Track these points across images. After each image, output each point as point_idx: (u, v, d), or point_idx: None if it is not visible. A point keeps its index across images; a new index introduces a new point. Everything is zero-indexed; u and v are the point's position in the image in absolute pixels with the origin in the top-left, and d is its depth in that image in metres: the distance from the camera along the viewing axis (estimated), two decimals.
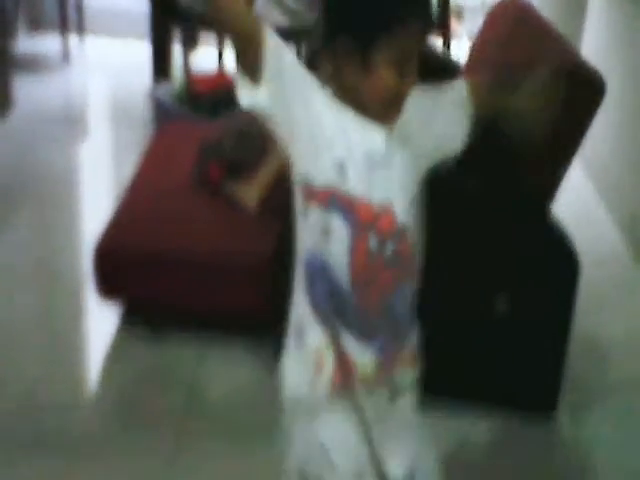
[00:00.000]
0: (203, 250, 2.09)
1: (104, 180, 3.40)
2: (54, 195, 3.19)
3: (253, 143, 2.41)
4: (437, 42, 3.84)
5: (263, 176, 2.26)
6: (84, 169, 3.51)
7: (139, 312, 2.22)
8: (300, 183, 1.27)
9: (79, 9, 4.58)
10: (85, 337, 2.41)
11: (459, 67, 2.43)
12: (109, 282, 2.09)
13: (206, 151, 2.45)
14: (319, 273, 1.27)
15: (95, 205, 3.13)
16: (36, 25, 4.68)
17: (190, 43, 4.28)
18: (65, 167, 3.40)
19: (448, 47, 3.95)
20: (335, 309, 1.27)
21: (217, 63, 3.93)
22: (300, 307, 1.31)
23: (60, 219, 3.06)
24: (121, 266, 2.09)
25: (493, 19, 2.40)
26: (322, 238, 1.25)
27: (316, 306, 1.28)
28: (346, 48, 1.22)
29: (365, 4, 1.22)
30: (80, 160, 3.58)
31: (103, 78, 4.37)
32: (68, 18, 4.48)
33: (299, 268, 1.31)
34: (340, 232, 1.24)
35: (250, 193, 2.25)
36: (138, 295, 2.12)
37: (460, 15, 4.81)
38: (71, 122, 3.84)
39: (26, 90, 3.93)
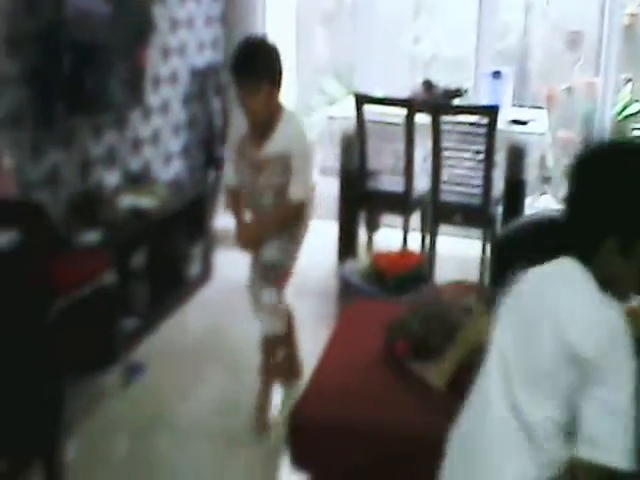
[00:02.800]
0: (397, 423, 2.10)
1: None
2: (241, 362, 3.35)
3: (439, 324, 2.46)
4: None
5: (450, 358, 2.28)
6: None
7: None
8: None
9: None
10: None
11: None
12: (302, 453, 2.14)
13: (393, 330, 2.52)
14: None
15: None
16: None
17: (374, 224, 4.52)
18: (247, 336, 3.59)
19: None
20: None
21: (401, 243, 4.09)
22: None
23: (246, 384, 3.20)
24: (314, 438, 2.14)
25: None
26: None
27: None
28: (615, 245, 1.38)
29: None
30: None
31: None
32: None
33: None
34: None
35: (437, 374, 2.27)
36: (330, 466, 2.15)
37: None
38: None
39: (222, 262, 4.26)
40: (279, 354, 3.07)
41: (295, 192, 2.83)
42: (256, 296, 2.98)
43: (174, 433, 2.87)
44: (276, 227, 2.88)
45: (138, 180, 3.94)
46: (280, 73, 2.79)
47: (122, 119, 3.85)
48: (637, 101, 5.79)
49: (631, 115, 5.81)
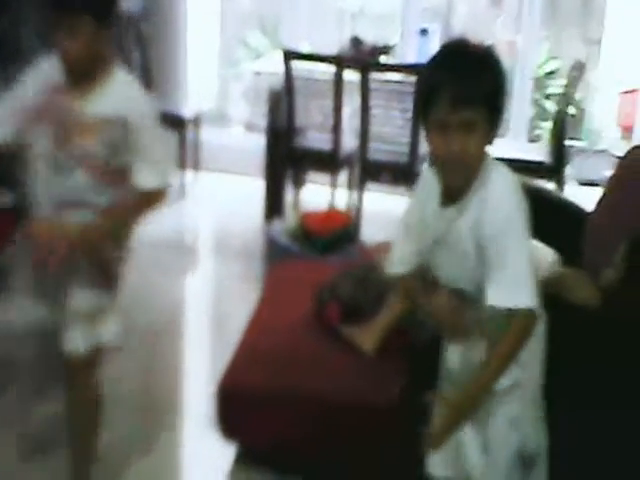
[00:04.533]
0: (327, 390, 2.09)
1: (215, 312, 3.49)
2: (165, 325, 3.28)
3: (369, 287, 2.44)
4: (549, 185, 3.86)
5: (380, 323, 2.27)
6: (194, 300, 3.61)
7: (259, 453, 2.21)
8: None
9: (196, 146, 4.84)
10: (199, 477, 2.41)
11: (584, 213, 2.44)
12: (230, 422, 2.10)
13: (323, 292, 2.48)
14: None
15: (204, 335, 3.19)
16: None
17: (301, 182, 4.46)
18: (176, 298, 3.52)
19: (561, 191, 3.97)
20: None
21: (328, 202, 4.06)
22: None
23: (168, 349, 3.13)
24: (244, 407, 2.10)
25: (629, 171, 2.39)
26: None
27: None
28: None
29: None
30: (190, 291, 3.70)
31: (216, 213, 4.56)
32: (185, 155, 4.74)
33: None
34: None
35: (367, 338, 2.25)
36: (260, 436, 2.12)
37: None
38: (183, 253, 4.00)
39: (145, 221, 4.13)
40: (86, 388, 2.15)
41: (147, 177, 2.02)
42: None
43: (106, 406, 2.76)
44: (125, 224, 2.13)
45: None
46: (109, 10, 2.03)
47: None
48: (554, 58, 5.90)
49: (551, 73, 5.92)
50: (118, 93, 2.02)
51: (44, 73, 2.08)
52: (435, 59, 1.62)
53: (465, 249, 1.63)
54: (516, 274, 1.57)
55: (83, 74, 2.03)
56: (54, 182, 1.98)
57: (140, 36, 4.56)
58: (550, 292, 1.68)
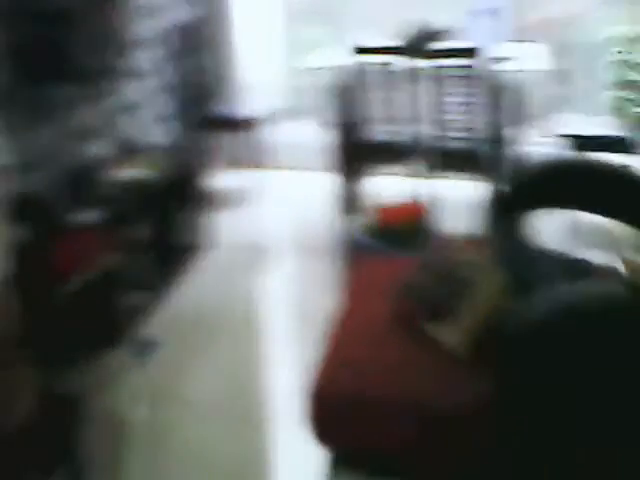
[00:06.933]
0: (420, 392, 2.08)
1: (296, 310, 3.53)
2: (247, 325, 3.34)
3: (451, 282, 2.42)
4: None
5: (468, 319, 2.24)
6: (274, 299, 3.66)
7: (355, 457, 2.23)
8: None
9: (266, 145, 4.89)
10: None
11: None
12: (325, 426, 2.12)
13: (404, 290, 2.48)
14: None
15: (287, 335, 3.23)
16: (230, 162, 5.06)
17: (373, 175, 4.45)
18: (257, 297, 3.58)
19: None
20: None
21: (401, 194, 4.03)
22: None
23: (251, 351, 3.19)
24: (338, 411, 2.11)
25: None
26: None
27: None
28: None
29: None
30: (271, 290, 3.75)
31: (290, 210, 4.60)
32: (256, 154, 4.80)
33: None
34: None
35: (455, 336, 2.23)
36: (355, 440, 2.14)
37: None
38: (261, 253, 4.05)
39: (221, 223, 4.22)
40: None
41: None
42: None
43: (187, 408, 2.86)
44: None
45: (129, 149, 3.86)
46: None
47: (106, 86, 3.75)
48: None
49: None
50: None
51: None
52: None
53: None
54: None
55: None
56: None
57: (209, 41, 4.63)
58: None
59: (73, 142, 3.50)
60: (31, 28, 3.08)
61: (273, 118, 5.02)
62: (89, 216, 3.16)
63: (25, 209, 2.77)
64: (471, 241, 2.80)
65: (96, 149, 3.67)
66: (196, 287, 3.73)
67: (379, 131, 4.15)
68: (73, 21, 3.36)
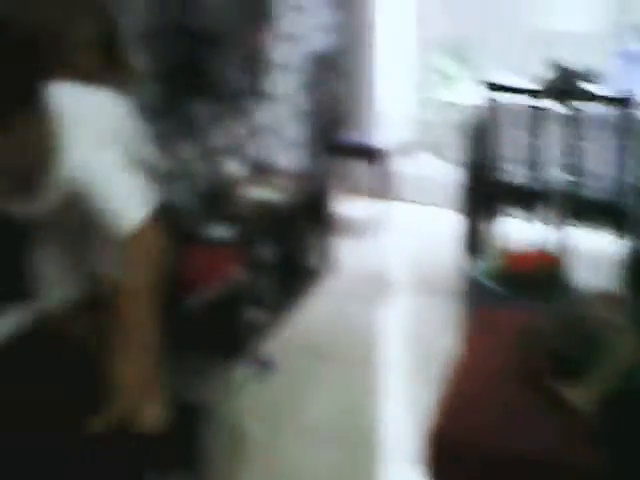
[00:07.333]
0: (540, 451, 2.02)
1: (413, 347, 3.49)
2: (362, 357, 3.32)
3: (582, 339, 2.33)
4: None
5: (599, 377, 2.15)
6: (390, 333, 3.64)
7: None
8: None
9: (388, 176, 4.88)
10: None
11: None
12: (442, 468, 2.09)
13: (533, 341, 2.40)
14: None
15: (402, 370, 3.19)
16: (356, 190, 5.08)
17: (502, 218, 4.35)
18: (373, 329, 3.56)
19: None
20: None
21: (531, 240, 3.92)
22: None
23: (366, 383, 3.16)
24: (457, 455, 2.09)
25: None
26: None
27: None
28: None
29: None
30: (387, 323, 3.72)
31: (412, 245, 4.57)
32: (381, 185, 4.80)
33: None
34: None
35: (584, 397, 2.14)
36: None
37: None
38: (380, 285, 4.03)
39: (344, 250, 4.23)
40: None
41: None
42: None
43: (301, 432, 2.87)
44: None
45: (261, 170, 3.94)
46: None
47: (243, 107, 3.85)
48: None
49: None
50: None
51: None
52: None
53: None
54: None
55: None
56: None
57: (343, 71, 4.69)
58: None
59: (211, 158, 3.61)
60: (182, 48, 3.21)
61: (403, 150, 5.02)
62: (219, 231, 3.24)
63: (163, 218, 2.85)
64: (606, 298, 2.69)
65: (231, 167, 3.77)
66: (314, 312, 3.75)
67: (512, 173, 4.07)
68: (220, 43, 3.48)
